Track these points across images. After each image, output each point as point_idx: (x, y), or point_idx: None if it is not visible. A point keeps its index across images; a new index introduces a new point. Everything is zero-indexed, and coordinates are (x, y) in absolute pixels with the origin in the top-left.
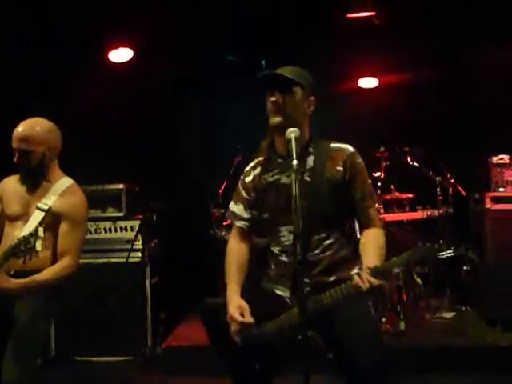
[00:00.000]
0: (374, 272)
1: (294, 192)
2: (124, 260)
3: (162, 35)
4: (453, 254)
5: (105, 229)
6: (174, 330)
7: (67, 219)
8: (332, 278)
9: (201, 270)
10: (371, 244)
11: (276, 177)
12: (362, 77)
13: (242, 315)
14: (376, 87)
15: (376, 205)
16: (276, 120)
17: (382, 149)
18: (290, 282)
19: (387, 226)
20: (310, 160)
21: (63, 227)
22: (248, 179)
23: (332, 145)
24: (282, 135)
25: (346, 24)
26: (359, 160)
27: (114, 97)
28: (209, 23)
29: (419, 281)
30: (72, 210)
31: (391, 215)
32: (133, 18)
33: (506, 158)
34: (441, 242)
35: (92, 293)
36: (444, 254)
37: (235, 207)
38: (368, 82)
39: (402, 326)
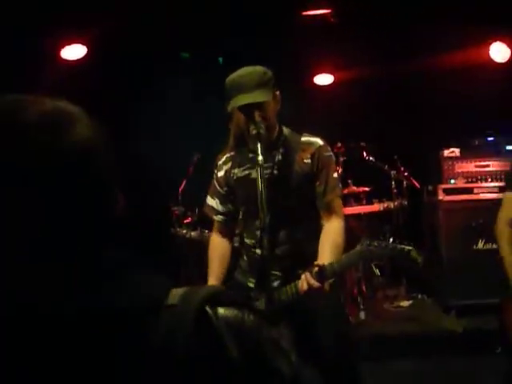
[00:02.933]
0: (319, 273)
1: (259, 187)
2: None
3: (116, 32)
4: (392, 255)
5: None
6: None
7: None
8: (301, 271)
9: (161, 268)
10: (329, 242)
11: (247, 172)
12: (317, 74)
13: None
14: (331, 84)
15: (340, 198)
16: (260, 132)
17: (338, 144)
18: (257, 275)
19: (345, 219)
20: (280, 154)
21: None
22: (220, 174)
23: (302, 138)
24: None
25: (302, 21)
26: (327, 153)
27: (66, 95)
28: (163, 21)
29: (377, 272)
30: None
31: (349, 208)
32: (87, 13)
33: (456, 151)
34: (388, 240)
35: None
36: (384, 254)
37: (212, 201)
38: (323, 79)
39: (363, 315)
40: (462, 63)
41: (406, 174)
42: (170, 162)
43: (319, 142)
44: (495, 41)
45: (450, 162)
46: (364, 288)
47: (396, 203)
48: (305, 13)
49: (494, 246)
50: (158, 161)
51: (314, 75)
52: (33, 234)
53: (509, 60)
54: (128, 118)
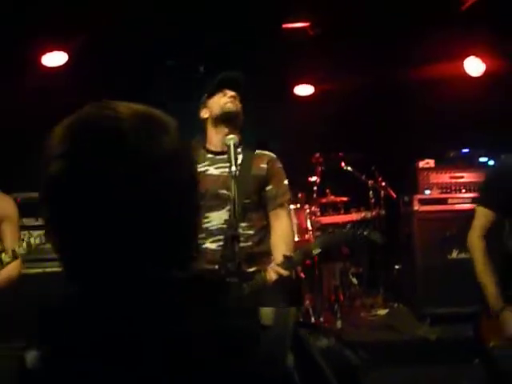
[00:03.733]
0: (287, 262)
1: (232, 195)
2: (60, 269)
3: (98, 39)
4: (353, 238)
5: (39, 238)
6: None
7: (9, 219)
8: (252, 269)
9: None
10: (282, 236)
11: (204, 168)
12: (297, 84)
13: None
14: (311, 94)
15: (289, 203)
16: (233, 108)
17: (317, 154)
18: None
19: (324, 228)
20: (239, 158)
21: (9, 228)
22: None
23: (257, 151)
24: (224, 128)
25: (282, 33)
26: (280, 165)
27: (48, 101)
28: (147, 29)
29: (354, 281)
30: (12, 210)
31: (327, 217)
32: (68, 20)
33: (431, 162)
34: (348, 226)
35: (27, 304)
36: (344, 238)
37: None
38: (304, 90)
39: (339, 324)
40: (437, 77)
41: (383, 184)
42: None
43: (272, 155)
44: (470, 55)
45: (425, 173)
46: (342, 297)
47: (373, 213)
48: (284, 25)
49: (468, 255)
50: None
51: (295, 86)
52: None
53: (483, 74)
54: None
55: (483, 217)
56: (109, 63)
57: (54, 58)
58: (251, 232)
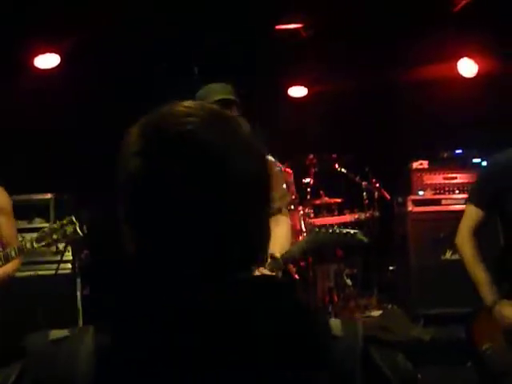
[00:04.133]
0: (273, 263)
1: None
2: (53, 272)
3: (90, 41)
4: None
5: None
6: None
7: (4, 211)
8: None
9: None
10: (278, 236)
11: None
12: (291, 86)
13: None
14: (305, 96)
15: (288, 206)
16: None
17: (310, 156)
18: None
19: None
20: None
21: (4, 219)
22: None
23: None
24: None
25: (276, 34)
26: (277, 168)
27: (42, 103)
28: (140, 30)
29: (349, 282)
30: (5, 201)
31: (321, 219)
32: (60, 22)
33: (424, 163)
34: (335, 227)
35: (20, 306)
36: (331, 238)
37: None
38: (298, 91)
39: None
40: (431, 78)
41: (377, 185)
42: None
43: (269, 157)
44: (463, 56)
45: (419, 174)
46: (336, 298)
47: (367, 214)
48: (277, 27)
49: None
50: None
51: (289, 87)
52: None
53: (476, 75)
54: (102, 128)
55: (473, 215)
56: (101, 65)
57: (47, 60)
58: None
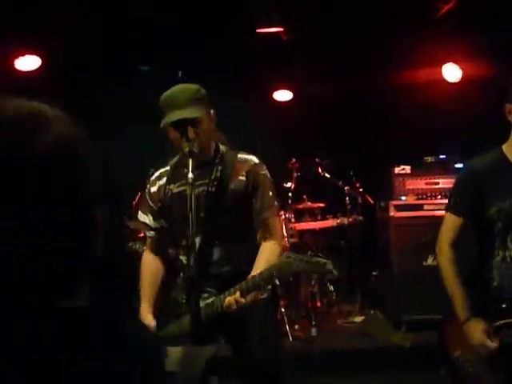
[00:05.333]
0: (241, 288)
1: (189, 205)
2: None
3: (71, 43)
4: (309, 267)
5: None
6: None
7: None
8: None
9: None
10: (262, 260)
11: (182, 188)
12: (277, 90)
13: None
14: (290, 100)
15: (277, 217)
16: (191, 149)
17: (293, 160)
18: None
19: (300, 235)
20: (216, 171)
21: None
22: (153, 189)
23: (239, 155)
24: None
25: (258, 37)
26: (263, 172)
27: None
28: (121, 34)
29: (331, 288)
30: None
31: (304, 224)
32: (41, 24)
33: (407, 168)
34: (309, 253)
35: None
36: (301, 266)
37: (144, 217)
38: (283, 95)
39: (314, 332)
40: (415, 82)
41: (360, 190)
42: (127, 175)
43: (254, 159)
44: (448, 62)
45: (401, 179)
46: (319, 303)
47: (350, 219)
48: (258, 30)
49: None
50: (114, 174)
51: (274, 91)
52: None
53: (461, 80)
54: (87, 131)
55: (451, 223)
56: (82, 67)
57: (27, 62)
58: (235, 253)
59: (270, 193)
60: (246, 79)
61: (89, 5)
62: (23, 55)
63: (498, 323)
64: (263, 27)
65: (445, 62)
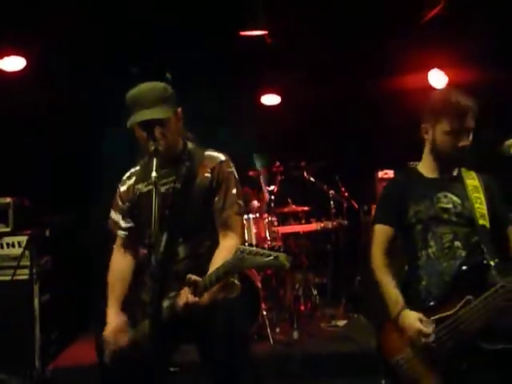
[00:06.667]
0: (193, 288)
1: (153, 203)
2: (9, 277)
3: (56, 44)
4: (262, 261)
5: None
6: (65, 351)
7: None
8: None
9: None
10: (218, 259)
11: (150, 187)
12: (265, 94)
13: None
14: (278, 104)
15: (239, 216)
16: (158, 149)
17: (277, 163)
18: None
19: (284, 238)
20: (183, 168)
21: None
22: (123, 188)
23: (206, 153)
24: None
25: (245, 40)
26: (229, 169)
27: (5, 106)
28: (108, 36)
29: (315, 292)
30: None
31: (288, 227)
32: (26, 24)
33: (390, 172)
34: (259, 249)
35: None
36: (254, 261)
37: (115, 216)
38: (271, 99)
39: (296, 335)
40: (401, 89)
41: (346, 194)
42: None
43: (221, 157)
44: (433, 67)
45: (384, 184)
46: (303, 307)
47: (335, 223)
48: (242, 33)
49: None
50: (99, 174)
51: (262, 95)
52: None
53: (446, 86)
54: (71, 132)
55: (381, 233)
56: (68, 68)
57: (12, 63)
58: (199, 250)
59: (234, 191)
60: (233, 82)
61: (74, 5)
62: (8, 56)
63: (431, 318)
64: (249, 30)
65: (430, 68)
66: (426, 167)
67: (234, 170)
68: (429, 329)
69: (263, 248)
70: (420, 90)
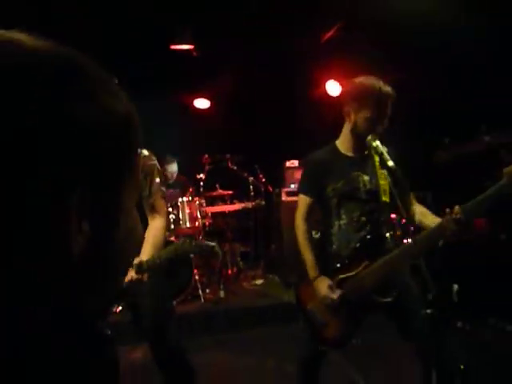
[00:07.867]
0: (138, 267)
1: None
2: None
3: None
4: (200, 250)
5: None
6: None
7: None
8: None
9: None
10: (150, 238)
11: None
12: (196, 98)
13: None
14: (208, 107)
15: (162, 200)
16: None
17: (206, 156)
18: None
19: (213, 217)
20: None
21: None
22: None
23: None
24: None
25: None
26: (151, 162)
27: None
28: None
29: (239, 259)
30: None
31: (216, 207)
32: (26, 24)
33: (295, 162)
34: (198, 240)
35: None
36: (193, 249)
37: None
38: (202, 103)
39: (222, 294)
40: (305, 96)
41: (263, 180)
42: None
43: (144, 152)
44: (330, 79)
45: (291, 171)
46: (230, 271)
47: (253, 203)
48: (172, 46)
49: None
50: None
51: (194, 99)
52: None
53: (340, 94)
54: None
55: (303, 202)
56: None
57: None
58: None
59: (157, 179)
60: (170, 90)
61: (74, 5)
62: None
63: (337, 278)
64: (176, 44)
65: (327, 80)
66: (344, 144)
67: (155, 162)
68: (335, 294)
69: (201, 240)
70: (319, 97)
